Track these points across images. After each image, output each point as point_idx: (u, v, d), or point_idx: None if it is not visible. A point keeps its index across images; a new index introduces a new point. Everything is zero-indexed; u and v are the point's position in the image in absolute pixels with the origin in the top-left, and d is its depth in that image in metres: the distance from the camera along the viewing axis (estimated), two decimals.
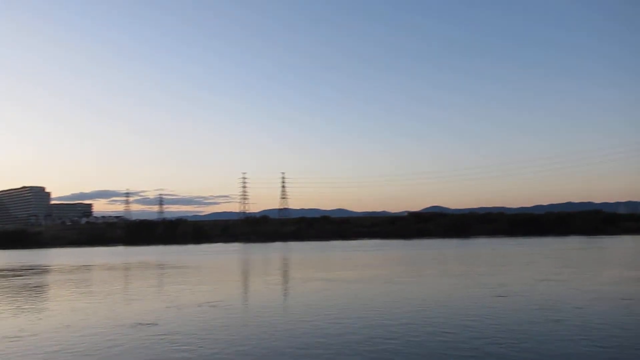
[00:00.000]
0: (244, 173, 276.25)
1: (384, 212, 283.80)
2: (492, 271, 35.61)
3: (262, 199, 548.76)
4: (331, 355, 12.95)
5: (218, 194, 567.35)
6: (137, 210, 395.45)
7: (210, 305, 21.92)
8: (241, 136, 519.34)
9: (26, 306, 24.25)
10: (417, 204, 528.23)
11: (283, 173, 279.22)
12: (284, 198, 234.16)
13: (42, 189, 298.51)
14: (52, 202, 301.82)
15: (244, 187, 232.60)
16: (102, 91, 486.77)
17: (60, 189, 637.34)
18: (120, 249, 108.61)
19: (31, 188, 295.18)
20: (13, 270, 51.65)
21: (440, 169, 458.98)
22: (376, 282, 30.28)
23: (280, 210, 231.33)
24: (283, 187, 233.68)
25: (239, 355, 13.15)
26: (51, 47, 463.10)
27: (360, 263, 48.48)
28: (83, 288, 32.10)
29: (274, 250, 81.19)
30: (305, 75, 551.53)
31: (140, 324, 18.07)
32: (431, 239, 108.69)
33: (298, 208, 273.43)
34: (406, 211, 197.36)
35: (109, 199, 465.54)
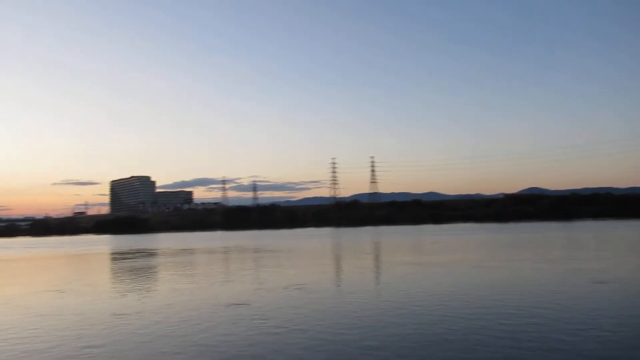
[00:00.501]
0: (334, 158, 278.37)
1: (478, 194, 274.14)
2: (593, 256, 33.23)
3: (352, 184, 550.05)
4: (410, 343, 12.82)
5: (309, 180, 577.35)
6: (233, 196, 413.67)
7: (297, 288, 22.52)
8: (331, 121, 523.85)
9: (134, 286, 26.39)
10: (513, 186, 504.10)
11: (372, 157, 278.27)
12: (374, 182, 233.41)
13: (148, 178, 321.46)
14: (157, 190, 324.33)
15: (334, 172, 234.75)
16: (199, 84, 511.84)
17: (164, 178, 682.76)
18: (219, 234, 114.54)
19: (139, 178, 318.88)
20: (124, 253, 56.35)
21: (538, 148, 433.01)
22: (465, 266, 29.43)
23: (370, 194, 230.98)
24: (373, 171, 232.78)
25: (324, 335, 13.42)
26: (156, 39, 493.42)
27: (452, 247, 47.34)
28: (184, 270, 34.30)
29: (365, 235, 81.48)
30: (393, 56, 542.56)
31: (233, 304, 19.01)
32: (529, 222, 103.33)
33: (389, 192, 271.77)
34: (502, 193, 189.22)
35: (207, 187, 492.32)
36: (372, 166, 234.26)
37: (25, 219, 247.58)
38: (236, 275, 30.05)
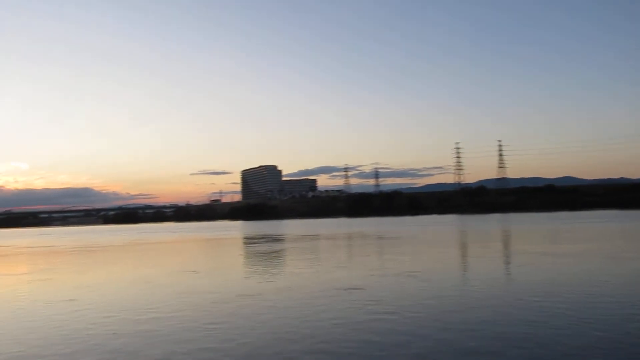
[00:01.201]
0: (457, 143, 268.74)
1: (621, 178, 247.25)
2: None
3: (478, 169, 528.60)
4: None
5: (432, 166, 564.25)
6: (355, 184, 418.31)
7: (411, 275, 22.11)
8: (453, 105, 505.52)
9: (258, 269, 27.88)
10: None
11: (500, 140, 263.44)
12: (501, 167, 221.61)
13: (275, 167, 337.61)
14: (284, 178, 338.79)
15: (458, 157, 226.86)
16: (313, 75, 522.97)
17: (289, 167, 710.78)
18: (342, 220, 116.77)
19: (267, 167, 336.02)
20: (252, 238, 59.82)
21: None
22: (597, 257, 26.66)
23: (497, 180, 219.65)
24: (500, 155, 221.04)
25: (436, 322, 13.01)
26: (275, 34, 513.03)
27: (588, 236, 43.28)
28: (305, 255, 35.46)
29: (491, 222, 77.67)
30: (517, 35, 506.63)
31: (348, 288, 19.22)
32: None
33: (517, 177, 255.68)
34: None
35: (330, 174, 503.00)
36: (500, 150, 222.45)
37: (170, 207, 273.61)
38: (354, 260, 30.37)
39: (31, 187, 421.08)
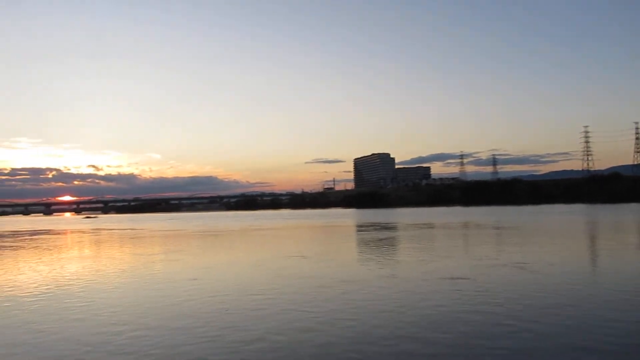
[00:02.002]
0: (586, 126, 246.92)
1: None
2: None
3: (610, 155, 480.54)
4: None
5: (556, 152, 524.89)
6: (471, 171, 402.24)
7: (520, 267, 20.91)
8: (581, 86, 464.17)
9: (365, 256, 28.14)
10: None
11: (637, 122, 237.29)
12: (638, 152, 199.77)
13: (387, 155, 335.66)
14: (397, 166, 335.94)
15: (587, 141, 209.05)
16: (433, 57, 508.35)
17: (402, 155, 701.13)
18: (457, 209, 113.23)
19: (379, 155, 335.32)
20: (363, 226, 60.35)
21: None
22: None
23: (634, 166, 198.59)
24: (637, 139, 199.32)
25: (547, 317, 12.26)
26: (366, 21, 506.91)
27: None
28: (415, 243, 35.04)
29: (626, 213, 70.52)
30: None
31: (453, 277, 18.77)
32: None
33: None
34: None
35: (444, 162, 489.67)
36: (637, 133, 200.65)
37: (285, 194, 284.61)
38: (463, 250, 29.43)
39: (163, 175, 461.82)
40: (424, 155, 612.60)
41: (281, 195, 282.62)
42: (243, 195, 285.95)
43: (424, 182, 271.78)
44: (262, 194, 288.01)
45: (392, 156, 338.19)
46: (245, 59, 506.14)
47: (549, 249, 28.33)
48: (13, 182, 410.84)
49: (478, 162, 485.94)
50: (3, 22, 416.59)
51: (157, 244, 42.35)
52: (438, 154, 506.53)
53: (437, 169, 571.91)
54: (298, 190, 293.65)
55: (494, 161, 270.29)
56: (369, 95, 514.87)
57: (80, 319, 13.94)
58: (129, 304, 16.00)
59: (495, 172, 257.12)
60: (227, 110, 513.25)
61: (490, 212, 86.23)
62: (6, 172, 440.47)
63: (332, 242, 40.70)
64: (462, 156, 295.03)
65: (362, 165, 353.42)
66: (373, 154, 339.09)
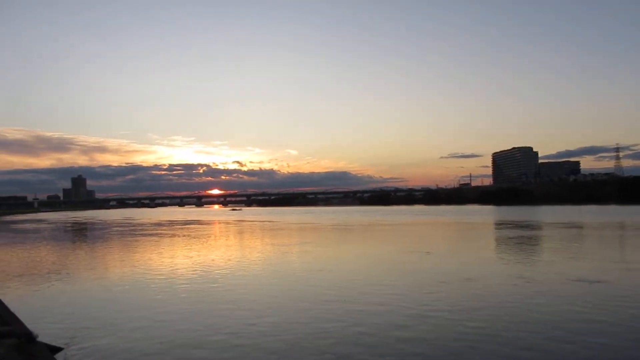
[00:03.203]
0: None
1: None
2: None
3: None
4: None
5: None
6: (629, 166, 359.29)
7: None
8: None
9: (493, 255, 27.30)
10: None
11: None
12: None
13: (530, 149, 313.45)
14: (540, 161, 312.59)
15: None
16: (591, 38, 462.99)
17: (546, 148, 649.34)
18: (610, 208, 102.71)
19: (520, 148, 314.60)
20: (497, 224, 57.82)
21: None
22: None
23: None
24: None
25: None
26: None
27: None
28: (551, 243, 33.06)
29: None
30: None
31: (583, 280, 17.71)
32: None
33: None
34: None
35: (595, 156, 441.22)
36: None
37: (420, 190, 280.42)
38: (604, 253, 27.07)
39: (300, 170, 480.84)
40: (571, 148, 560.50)
41: (415, 190, 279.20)
42: (375, 191, 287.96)
43: (571, 177, 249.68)
44: (396, 190, 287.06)
45: (534, 150, 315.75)
46: (380, 56, 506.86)
47: None
48: (170, 177, 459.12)
49: (636, 155, 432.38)
50: (160, 29, 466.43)
51: (291, 236, 45.03)
52: (588, 147, 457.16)
53: (588, 164, 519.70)
54: (433, 186, 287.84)
55: None
56: (509, 86, 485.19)
57: (230, 301, 15.90)
58: (263, 291, 17.80)
59: None
60: (361, 106, 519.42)
61: None
62: (165, 167, 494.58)
63: (461, 239, 39.83)
64: (617, 149, 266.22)
65: (502, 160, 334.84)
66: (513, 148, 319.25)
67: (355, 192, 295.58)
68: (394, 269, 22.01)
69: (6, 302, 13.13)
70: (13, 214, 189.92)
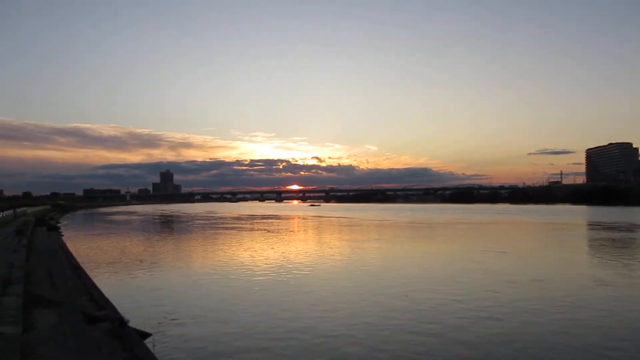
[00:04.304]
0: None
1: None
2: None
3: None
4: None
5: None
6: None
7: None
8: None
9: (569, 257, 26.21)
10: None
11: None
12: None
13: (629, 145, 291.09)
14: None
15: None
16: None
17: None
18: None
19: (618, 145, 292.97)
20: (587, 225, 54.80)
21: None
22: None
23: None
24: None
25: None
26: None
27: None
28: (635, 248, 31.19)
29: None
30: None
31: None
32: None
33: None
34: None
35: None
36: None
37: (505, 187, 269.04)
38: None
39: (379, 167, 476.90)
40: None
41: (500, 188, 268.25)
42: (457, 188, 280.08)
43: None
44: (480, 187, 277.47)
45: (635, 146, 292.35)
46: (462, 49, 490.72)
47: None
48: (251, 172, 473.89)
49: None
50: (237, 28, 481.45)
51: (365, 232, 45.50)
52: None
53: None
54: (520, 184, 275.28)
55: None
56: (603, 78, 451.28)
57: (306, 292, 16.87)
58: (334, 285, 18.57)
59: None
60: (441, 101, 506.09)
61: None
62: (246, 163, 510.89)
63: (539, 239, 38.36)
64: None
65: (597, 157, 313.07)
66: (610, 144, 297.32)
67: (436, 189, 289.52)
68: (463, 267, 22.01)
69: (100, 287, 14.80)
70: (108, 206, 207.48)
